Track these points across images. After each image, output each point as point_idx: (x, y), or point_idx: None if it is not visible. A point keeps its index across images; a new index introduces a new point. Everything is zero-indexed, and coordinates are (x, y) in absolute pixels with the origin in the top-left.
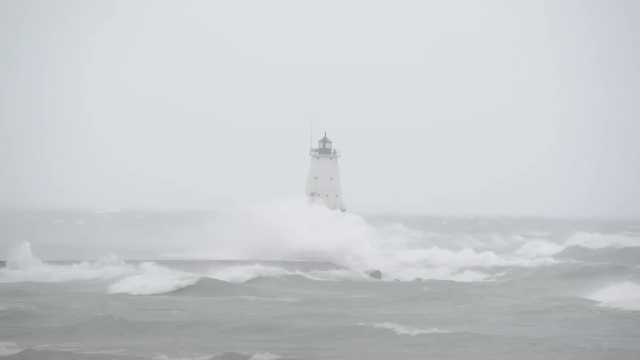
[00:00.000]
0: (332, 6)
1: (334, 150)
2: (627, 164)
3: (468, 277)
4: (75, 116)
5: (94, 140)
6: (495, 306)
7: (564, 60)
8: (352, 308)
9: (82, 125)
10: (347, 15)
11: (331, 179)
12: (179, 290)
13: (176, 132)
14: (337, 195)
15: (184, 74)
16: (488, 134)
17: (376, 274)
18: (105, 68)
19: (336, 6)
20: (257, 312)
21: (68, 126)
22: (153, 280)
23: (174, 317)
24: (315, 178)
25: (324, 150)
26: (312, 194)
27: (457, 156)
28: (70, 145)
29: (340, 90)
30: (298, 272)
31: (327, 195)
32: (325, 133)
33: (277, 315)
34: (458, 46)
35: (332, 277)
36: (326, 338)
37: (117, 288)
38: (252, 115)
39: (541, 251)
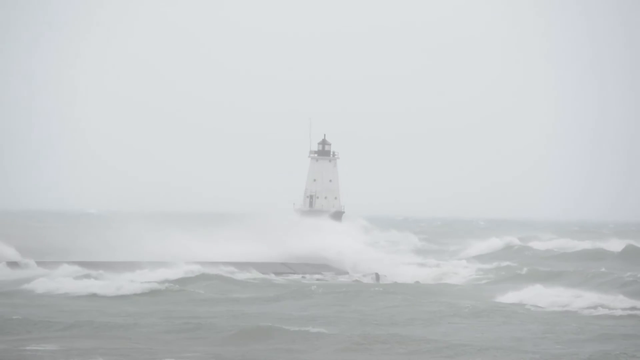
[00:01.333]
0: (330, 11)
1: (333, 152)
2: (618, 167)
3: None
4: (64, 117)
5: (84, 141)
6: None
7: (557, 65)
8: (278, 309)
9: (71, 126)
10: (345, 20)
11: (330, 180)
12: (93, 292)
13: (175, 137)
14: (335, 198)
15: (185, 81)
16: (485, 137)
17: (375, 277)
18: (96, 70)
19: (334, 11)
20: (174, 313)
21: (58, 127)
22: (67, 282)
23: (78, 318)
24: (315, 180)
25: (323, 152)
26: (311, 196)
27: (456, 159)
28: (59, 146)
29: (340, 95)
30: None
31: (326, 197)
32: (325, 135)
33: (192, 317)
34: (455, 50)
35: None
36: (239, 339)
37: (26, 288)
38: (252, 120)
39: (481, 253)
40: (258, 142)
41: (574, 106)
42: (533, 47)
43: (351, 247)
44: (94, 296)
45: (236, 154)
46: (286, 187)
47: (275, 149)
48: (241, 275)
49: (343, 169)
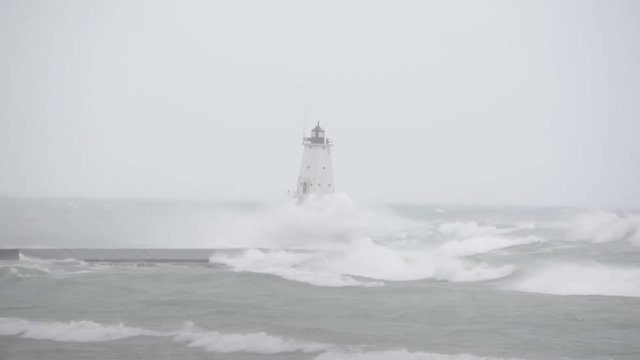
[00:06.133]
0: (327, 6)
1: (327, 140)
2: (632, 154)
3: None
4: (78, 111)
5: (97, 133)
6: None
7: (566, 53)
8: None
9: (86, 121)
10: (344, 14)
11: (324, 168)
12: None
13: (173, 129)
14: (329, 185)
15: (188, 78)
16: (489, 129)
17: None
18: (107, 67)
19: (331, 6)
20: None
21: (71, 120)
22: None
23: None
24: (308, 167)
25: (317, 139)
26: (305, 184)
27: (462, 150)
28: (72, 139)
29: (336, 89)
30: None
31: (319, 185)
32: (318, 122)
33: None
34: (457, 42)
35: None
36: None
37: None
38: (249, 112)
39: None
40: (255, 132)
41: (582, 95)
42: (539, 36)
43: None
44: None
45: (234, 144)
46: (282, 174)
47: (272, 138)
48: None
49: (338, 157)
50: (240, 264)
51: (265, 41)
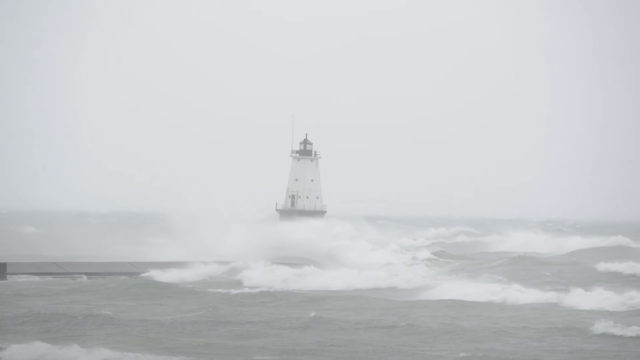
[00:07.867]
0: (322, 15)
1: (315, 152)
2: (622, 166)
3: None
4: (62, 119)
5: (82, 143)
6: None
7: (558, 64)
8: None
9: (69, 129)
10: (340, 26)
11: (312, 180)
12: None
13: (157, 139)
14: (317, 197)
15: (172, 86)
16: (480, 142)
17: None
18: (93, 73)
19: (327, 15)
20: None
21: (56, 129)
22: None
23: None
24: (296, 180)
25: (305, 151)
26: (293, 196)
27: (457, 162)
28: (57, 148)
29: (327, 101)
30: None
31: (307, 197)
32: (306, 135)
33: None
34: (455, 57)
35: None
36: None
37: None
38: (234, 124)
39: None
40: (243, 144)
41: (574, 106)
42: (535, 50)
43: None
44: None
45: (221, 156)
46: (270, 187)
47: (260, 150)
48: None
49: (327, 169)
50: (164, 277)
51: (255, 50)
